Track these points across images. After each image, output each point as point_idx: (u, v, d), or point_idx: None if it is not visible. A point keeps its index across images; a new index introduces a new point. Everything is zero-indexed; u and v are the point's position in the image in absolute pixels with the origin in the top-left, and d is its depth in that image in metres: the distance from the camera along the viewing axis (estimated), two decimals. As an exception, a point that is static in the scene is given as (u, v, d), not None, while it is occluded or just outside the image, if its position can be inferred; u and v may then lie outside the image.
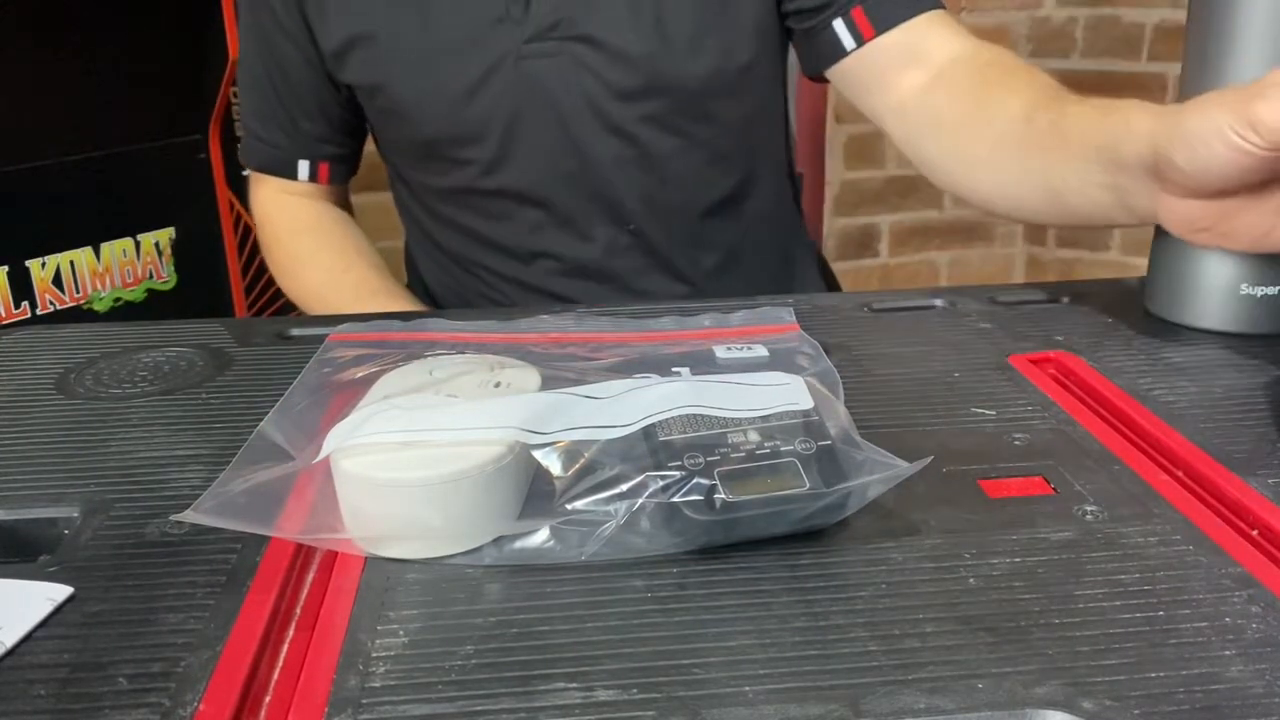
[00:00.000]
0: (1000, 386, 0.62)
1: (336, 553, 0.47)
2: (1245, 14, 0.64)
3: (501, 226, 0.95)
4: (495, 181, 0.92)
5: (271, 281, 1.74)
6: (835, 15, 0.87)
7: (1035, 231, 2.41)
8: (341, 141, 1.00)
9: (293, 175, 1.00)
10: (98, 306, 1.54)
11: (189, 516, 0.47)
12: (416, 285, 1.07)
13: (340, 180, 1.03)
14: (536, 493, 0.48)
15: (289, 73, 0.96)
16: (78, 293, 1.52)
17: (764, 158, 1.01)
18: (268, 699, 0.39)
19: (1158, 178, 0.62)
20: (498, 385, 0.52)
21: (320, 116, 0.98)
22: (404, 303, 0.97)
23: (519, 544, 0.46)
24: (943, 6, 0.88)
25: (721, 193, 0.96)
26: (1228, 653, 0.40)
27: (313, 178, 1.00)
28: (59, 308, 1.50)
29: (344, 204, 1.06)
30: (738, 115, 0.95)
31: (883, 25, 0.86)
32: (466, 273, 1.00)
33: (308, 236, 1.01)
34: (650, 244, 0.95)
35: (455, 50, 0.88)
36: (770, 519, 0.46)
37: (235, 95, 1.63)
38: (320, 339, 0.64)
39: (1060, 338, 0.69)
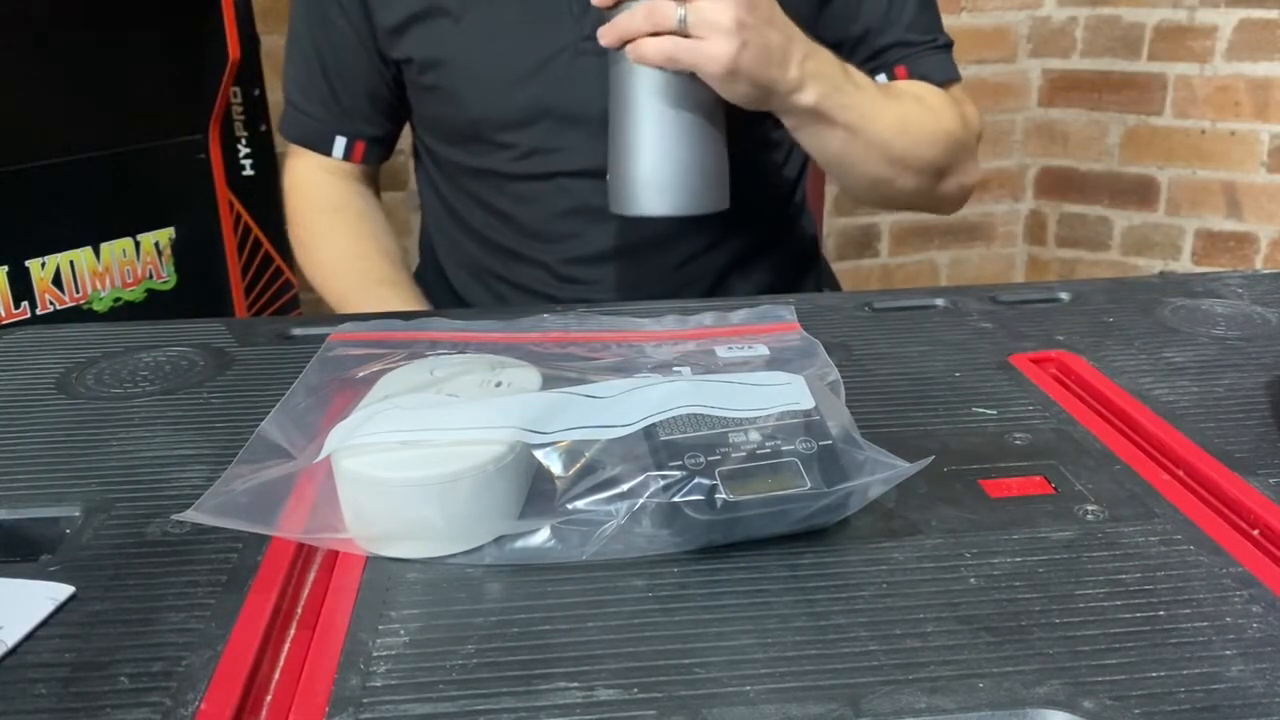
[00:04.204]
0: (1001, 386, 0.62)
1: (337, 552, 0.47)
2: None
3: (528, 209, 0.96)
4: (531, 167, 0.94)
5: (271, 281, 1.75)
6: (880, 70, 0.95)
7: (1035, 231, 2.41)
8: (380, 123, 1.02)
9: (328, 150, 1.01)
10: (98, 306, 1.54)
11: (190, 516, 0.47)
12: (430, 266, 1.08)
13: (374, 161, 1.04)
14: (537, 492, 0.48)
15: (339, 47, 0.97)
16: (78, 293, 1.51)
17: (794, 160, 1.03)
18: (269, 698, 0.39)
19: None
20: (498, 385, 0.52)
21: (364, 94, 0.99)
22: (406, 293, 0.97)
23: (520, 543, 0.46)
24: (959, 79, 0.98)
25: (750, 192, 0.97)
26: (1228, 652, 0.40)
27: (348, 156, 1.01)
28: (59, 308, 1.49)
29: (375, 187, 1.07)
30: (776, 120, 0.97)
31: (917, 76, 0.95)
32: (485, 251, 1.01)
33: (331, 215, 1.02)
34: (673, 238, 0.96)
35: (517, 36, 0.90)
36: (771, 519, 0.46)
37: (235, 95, 1.63)
38: (321, 338, 0.64)
39: (1061, 337, 0.69)
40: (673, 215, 0.79)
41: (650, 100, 0.77)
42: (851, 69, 0.85)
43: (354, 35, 0.95)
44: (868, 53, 0.95)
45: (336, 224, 1.02)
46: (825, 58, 0.81)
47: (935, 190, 0.93)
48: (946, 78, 0.96)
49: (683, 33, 0.73)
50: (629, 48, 0.75)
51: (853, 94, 0.83)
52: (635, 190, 0.78)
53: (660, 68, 0.75)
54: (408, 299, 0.97)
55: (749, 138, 0.93)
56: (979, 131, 0.98)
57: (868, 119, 0.84)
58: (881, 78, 0.94)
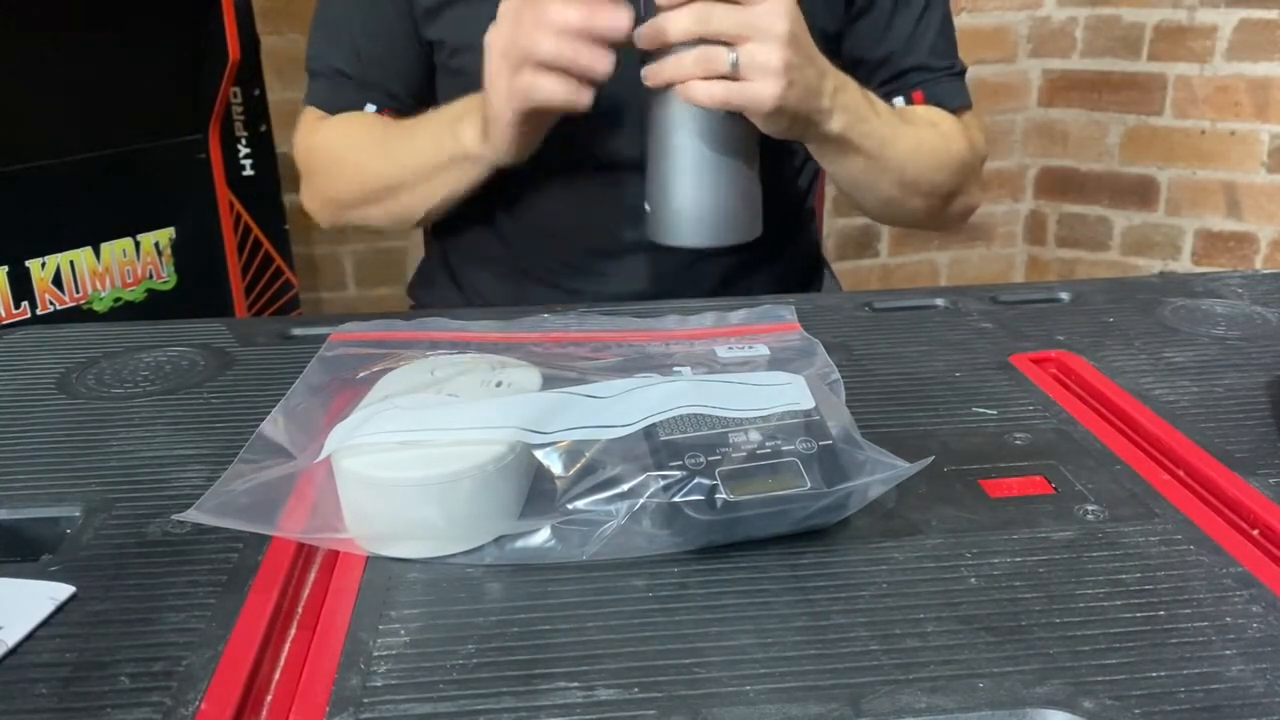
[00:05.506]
0: (1001, 386, 0.62)
1: (338, 552, 0.47)
2: None
3: (545, 198, 0.97)
4: (551, 157, 0.93)
5: (272, 281, 1.75)
6: (898, 93, 0.97)
7: (1035, 231, 2.41)
8: (408, 102, 1.01)
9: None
10: (98, 306, 1.54)
11: (191, 516, 0.47)
12: (436, 256, 1.08)
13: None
14: (538, 492, 0.48)
15: (378, 28, 0.97)
16: (78, 293, 1.52)
17: (807, 171, 1.04)
18: (269, 698, 0.39)
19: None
20: (499, 385, 0.52)
21: (398, 76, 0.99)
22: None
23: (520, 543, 0.46)
24: (970, 106, 1.01)
25: (766, 200, 0.97)
26: (1228, 652, 0.40)
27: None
28: (59, 308, 1.50)
29: None
30: None
31: (933, 102, 0.98)
32: (496, 240, 1.01)
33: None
34: None
35: None
36: (771, 519, 0.46)
37: (235, 95, 1.63)
38: (321, 339, 0.64)
39: (1061, 337, 0.69)
40: (713, 246, 0.80)
41: (693, 138, 0.77)
42: (872, 96, 0.87)
43: (394, 14, 0.96)
44: (889, 74, 0.97)
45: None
46: (852, 88, 0.84)
47: (942, 212, 0.96)
48: (959, 104, 0.99)
49: (733, 76, 0.74)
50: (679, 88, 0.76)
51: (874, 122, 0.85)
52: (677, 222, 0.80)
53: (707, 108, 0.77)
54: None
55: (769, 151, 0.94)
56: (984, 155, 1.01)
57: (886, 145, 0.86)
58: (899, 100, 0.97)
